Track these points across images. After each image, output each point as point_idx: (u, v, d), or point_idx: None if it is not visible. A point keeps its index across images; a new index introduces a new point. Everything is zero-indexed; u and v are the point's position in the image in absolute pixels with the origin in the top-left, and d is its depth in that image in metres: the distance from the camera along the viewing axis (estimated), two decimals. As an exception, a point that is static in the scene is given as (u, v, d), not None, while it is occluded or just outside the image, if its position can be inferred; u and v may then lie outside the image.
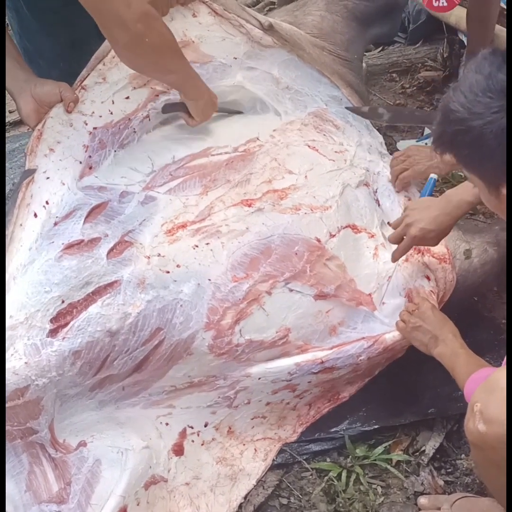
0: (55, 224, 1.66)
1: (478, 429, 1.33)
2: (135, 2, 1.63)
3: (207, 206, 1.84)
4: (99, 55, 1.95)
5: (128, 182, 1.81)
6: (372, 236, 2.06)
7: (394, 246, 1.91)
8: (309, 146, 2.14)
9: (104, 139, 1.89)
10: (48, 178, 1.75)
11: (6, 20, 2.28)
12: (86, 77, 1.93)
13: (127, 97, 1.97)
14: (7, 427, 1.53)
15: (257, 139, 2.09)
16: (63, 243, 1.62)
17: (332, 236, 1.96)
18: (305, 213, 1.94)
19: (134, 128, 1.96)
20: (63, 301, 1.57)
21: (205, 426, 1.83)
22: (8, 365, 1.50)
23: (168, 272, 1.69)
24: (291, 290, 1.84)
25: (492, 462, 1.38)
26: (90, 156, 1.84)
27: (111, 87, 1.95)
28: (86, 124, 1.88)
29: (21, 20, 2.29)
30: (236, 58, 2.17)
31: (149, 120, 2.00)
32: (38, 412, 1.56)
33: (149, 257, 1.69)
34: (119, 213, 1.73)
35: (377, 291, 1.96)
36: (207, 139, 2.01)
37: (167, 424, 1.78)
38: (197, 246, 1.76)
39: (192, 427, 1.81)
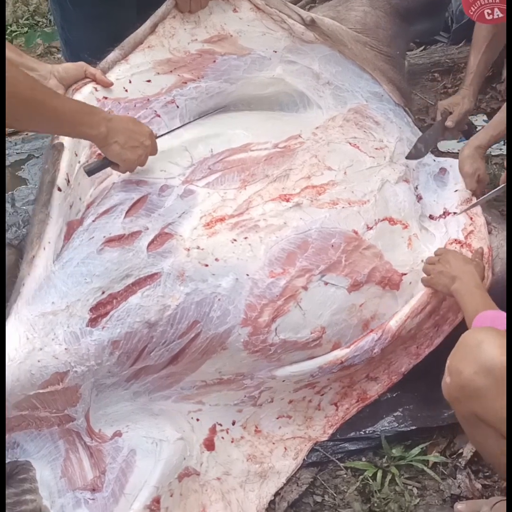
0: (94, 220, 1.67)
1: (444, 382, 1.46)
2: None
3: (245, 200, 1.84)
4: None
5: (168, 175, 1.81)
6: (406, 227, 2.05)
7: (428, 236, 2.00)
8: (350, 144, 2.13)
9: (114, 110, 1.86)
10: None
11: (49, 14, 2.29)
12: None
13: (148, 80, 1.96)
14: (45, 414, 1.56)
15: (299, 136, 2.08)
16: (104, 237, 1.63)
17: (369, 228, 1.95)
18: (343, 207, 1.93)
19: (155, 110, 1.93)
20: (103, 292, 1.58)
21: (233, 424, 1.84)
22: (47, 348, 1.52)
23: (206, 265, 1.69)
24: (326, 284, 1.83)
25: (460, 415, 1.48)
26: None
27: (131, 68, 1.95)
28: (96, 90, 1.86)
29: (63, 13, 2.31)
30: (276, 52, 2.16)
31: (177, 107, 1.98)
32: (76, 400, 1.58)
33: (189, 249, 1.69)
34: (159, 206, 1.73)
35: (410, 273, 1.96)
36: (246, 135, 2.00)
37: (197, 419, 1.79)
38: (235, 240, 1.76)
39: (221, 425, 1.82)
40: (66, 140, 1.73)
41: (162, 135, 1.86)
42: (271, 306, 1.74)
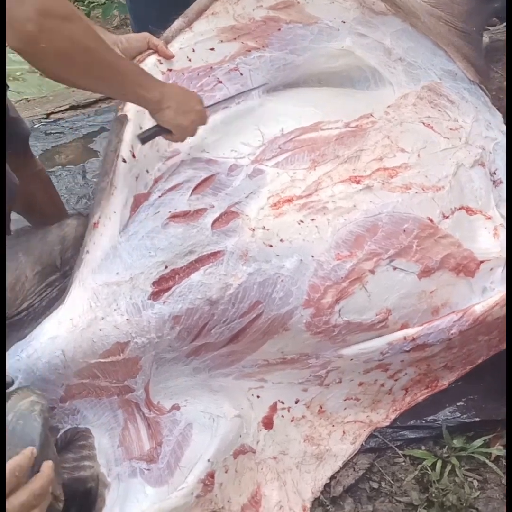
0: (160, 196, 1.68)
1: None
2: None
3: (315, 181, 1.81)
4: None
5: (237, 155, 1.79)
6: (489, 218, 1.99)
7: None
8: (424, 123, 2.07)
9: (178, 82, 1.85)
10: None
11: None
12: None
13: (212, 49, 1.93)
14: (105, 383, 1.58)
15: (371, 115, 2.03)
16: (169, 212, 1.63)
17: (445, 217, 1.90)
18: (416, 193, 1.88)
19: (217, 77, 1.91)
20: (166, 267, 1.59)
21: (296, 402, 1.82)
22: (108, 318, 1.54)
23: (271, 246, 1.68)
24: (395, 269, 1.79)
25: None
26: None
27: (195, 36, 1.92)
28: (160, 63, 1.85)
29: None
30: (344, 22, 2.09)
31: (241, 74, 1.95)
32: (136, 371, 1.60)
33: (253, 229, 1.68)
34: (226, 185, 1.72)
35: (489, 261, 1.90)
36: (317, 113, 1.96)
37: (258, 396, 1.79)
38: (302, 222, 1.74)
39: (282, 402, 1.81)
40: (130, 112, 1.73)
41: (211, 105, 1.82)
42: (335, 288, 1.72)
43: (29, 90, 3.59)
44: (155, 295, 1.57)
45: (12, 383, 1.47)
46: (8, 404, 1.33)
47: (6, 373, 1.47)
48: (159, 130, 1.65)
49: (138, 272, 1.57)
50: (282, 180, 1.79)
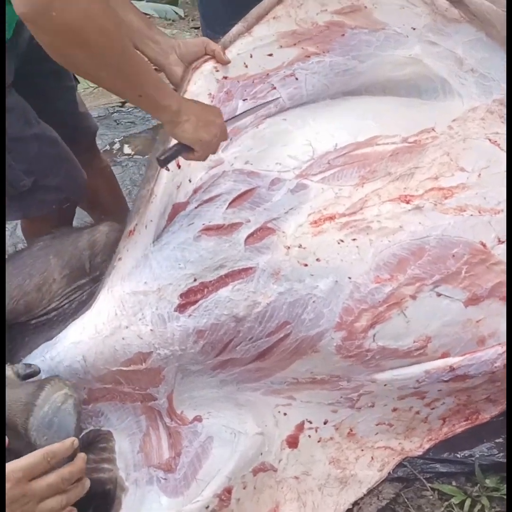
0: (197, 206, 1.66)
1: None
2: None
3: (361, 199, 1.75)
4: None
5: (282, 168, 1.74)
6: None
7: None
8: (490, 140, 1.95)
9: (232, 90, 1.79)
10: None
11: None
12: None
13: (270, 54, 1.85)
14: (129, 389, 1.59)
15: (432, 129, 1.93)
16: (203, 224, 1.61)
17: (500, 242, 1.80)
18: (471, 215, 1.79)
19: (272, 84, 1.84)
20: (195, 279, 1.58)
21: (325, 423, 1.79)
22: (132, 327, 1.55)
23: (306, 265, 1.64)
24: (439, 295, 1.72)
25: None
26: None
27: (254, 41, 1.85)
28: (216, 70, 1.80)
29: None
30: (414, 29, 1.97)
31: (296, 79, 1.88)
32: (158, 381, 1.60)
33: (289, 247, 1.65)
34: (266, 200, 1.68)
35: None
36: (375, 126, 1.88)
37: (285, 414, 1.76)
38: (342, 241, 1.69)
39: (310, 422, 1.78)
40: None
41: (231, 119, 1.71)
42: (371, 312, 1.67)
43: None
44: (181, 308, 1.57)
45: (39, 371, 1.50)
46: (43, 395, 1.37)
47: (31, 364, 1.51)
48: (179, 149, 1.52)
49: (166, 283, 1.57)
50: (326, 197, 1.74)
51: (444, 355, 1.74)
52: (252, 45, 1.86)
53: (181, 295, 1.57)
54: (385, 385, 1.74)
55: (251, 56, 1.85)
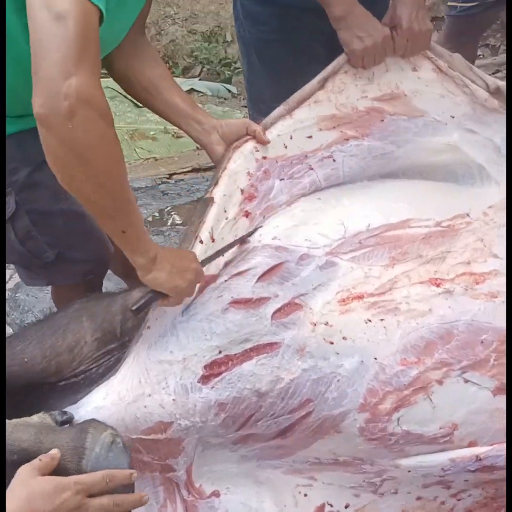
0: (226, 280, 1.68)
1: None
2: (79, 78, 1.25)
3: (391, 279, 1.76)
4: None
5: (311, 245, 1.77)
6: None
7: None
8: (527, 228, 1.95)
9: (270, 170, 1.84)
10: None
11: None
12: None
13: (310, 136, 1.90)
14: (148, 459, 1.59)
15: (467, 215, 1.95)
16: (231, 297, 1.64)
17: (532, 329, 1.77)
18: (503, 302, 1.77)
19: (310, 165, 1.89)
20: (220, 352, 1.59)
21: (346, 507, 1.74)
22: (155, 396, 1.56)
23: (332, 343, 1.64)
24: (466, 381, 1.69)
25: None
26: (252, 185, 1.81)
27: (294, 123, 1.90)
28: (256, 150, 1.84)
29: (251, 68, 2.39)
30: (453, 117, 2.02)
31: (334, 160, 1.92)
32: (178, 452, 1.60)
33: (315, 324, 1.65)
34: (294, 275, 1.70)
35: None
36: (409, 209, 1.90)
37: (305, 495, 1.73)
38: (370, 321, 1.69)
39: (331, 505, 1.74)
40: (217, 196, 1.75)
41: (206, 260, 1.68)
42: (396, 395, 1.65)
43: (159, 149, 3.77)
44: (204, 379, 1.58)
45: (73, 418, 1.51)
46: (90, 437, 1.40)
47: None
48: (153, 296, 1.53)
49: (191, 353, 1.59)
50: (355, 275, 1.75)
51: (471, 444, 1.69)
52: (292, 127, 1.91)
53: (205, 367, 1.58)
54: (409, 471, 1.70)
55: (291, 138, 1.90)
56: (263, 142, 1.86)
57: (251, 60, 2.37)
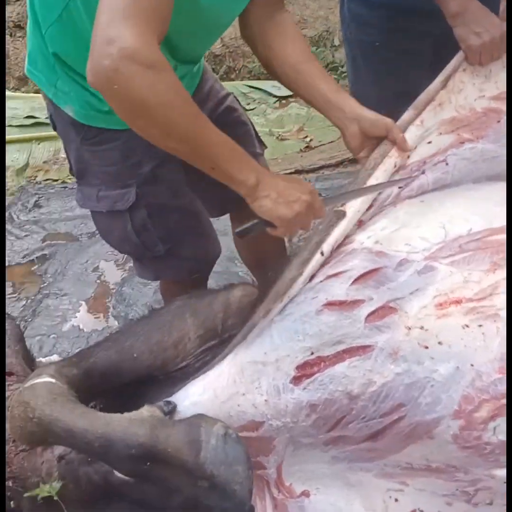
0: (322, 280, 1.68)
1: None
2: (124, 40, 1.27)
3: (491, 285, 1.70)
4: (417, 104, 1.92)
5: (411, 249, 1.74)
6: None
7: None
8: None
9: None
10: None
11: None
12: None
13: (429, 142, 1.89)
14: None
15: None
16: (326, 299, 1.64)
17: None
18: None
19: (424, 170, 1.88)
20: (312, 353, 1.60)
21: (438, 515, 1.71)
22: (249, 395, 1.59)
23: (426, 347, 1.61)
24: None
25: None
26: None
27: (426, 131, 1.90)
28: (394, 167, 1.84)
29: (355, 68, 2.37)
30: None
31: (446, 164, 1.90)
32: (269, 451, 1.63)
33: (410, 328, 1.63)
34: (391, 280, 1.68)
35: None
36: (512, 214, 1.85)
37: (396, 500, 1.71)
38: (467, 326, 1.65)
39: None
40: (350, 210, 1.75)
41: (329, 200, 1.69)
42: (493, 403, 1.59)
43: (264, 151, 3.80)
44: (296, 380, 1.59)
45: (176, 406, 1.58)
46: (203, 430, 1.46)
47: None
48: (259, 223, 1.54)
49: (284, 354, 1.60)
50: (454, 280, 1.71)
51: None
52: (421, 136, 1.90)
53: (297, 367, 1.60)
54: (504, 482, 1.65)
55: (415, 147, 1.90)
56: (406, 150, 1.84)
57: (356, 62, 2.36)
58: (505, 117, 1.97)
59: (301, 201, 1.52)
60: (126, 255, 3.32)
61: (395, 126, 1.84)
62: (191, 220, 2.13)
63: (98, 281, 3.31)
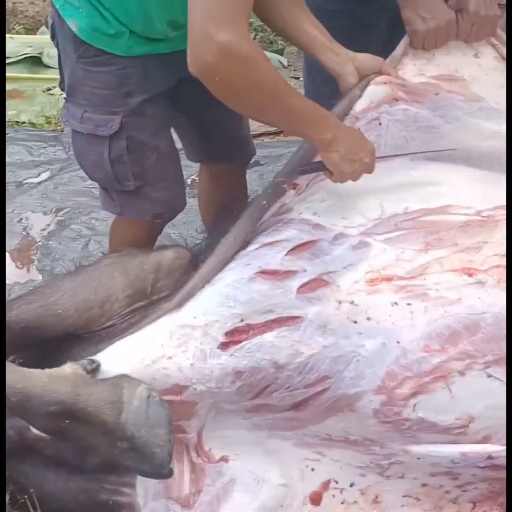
0: (257, 248, 1.68)
1: None
2: (222, 35, 1.40)
3: (422, 265, 1.72)
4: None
5: (348, 224, 1.75)
6: None
7: None
8: None
9: None
10: None
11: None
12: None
13: (360, 96, 1.89)
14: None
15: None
16: (259, 267, 1.63)
17: None
18: (537, 297, 1.74)
19: (358, 127, 1.86)
20: (242, 320, 1.59)
21: (351, 486, 1.74)
22: (175, 359, 1.56)
23: (355, 322, 1.63)
24: (489, 376, 1.66)
25: None
26: None
27: None
28: None
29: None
30: None
31: (380, 124, 1.90)
32: (191, 415, 1.61)
33: (340, 302, 1.64)
34: (326, 253, 1.69)
35: None
36: (450, 195, 1.86)
37: (312, 469, 1.73)
38: (396, 304, 1.67)
39: (336, 482, 1.74)
40: None
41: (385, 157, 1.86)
42: (415, 381, 1.63)
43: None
44: (224, 346, 1.58)
45: (100, 365, 1.54)
46: (126, 391, 1.44)
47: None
48: (321, 167, 1.72)
49: (213, 319, 1.59)
50: (387, 257, 1.72)
51: (485, 439, 1.67)
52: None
53: (226, 333, 1.59)
54: (418, 458, 1.69)
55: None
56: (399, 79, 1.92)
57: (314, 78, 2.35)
58: (444, 93, 1.97)
59: (361, 161, 1.71)
60: (54, 208, 3.24)
61: (385, 63, 1.91)
62: (167, 164, 2.12)
63: (23, 232, 3.20)
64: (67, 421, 1.41)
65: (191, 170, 3.09)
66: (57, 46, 2.04)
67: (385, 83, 1.90)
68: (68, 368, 1.47)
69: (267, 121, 1.75)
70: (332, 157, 1.67)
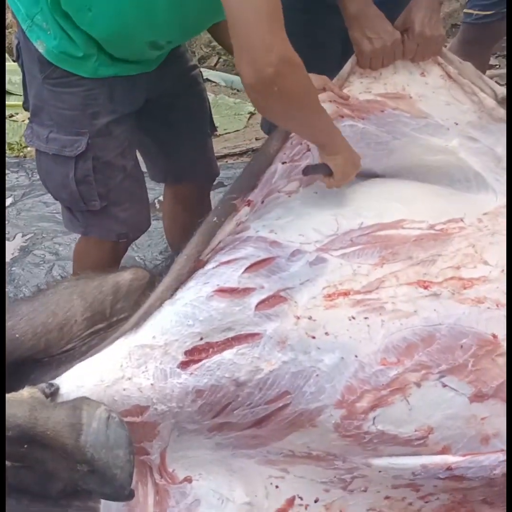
0: (215, 267, 1.69)
1: None
2: (277, 46, 1.46)
3: (378, 278, 1.76)
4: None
5: (304, 240, 1.78)
6: None
7: None
8: (520, 235, 1.95)
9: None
10: None
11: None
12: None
13: None
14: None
15: (461, 220, 1.94)
16: (217, 285, 1.64)
17: (512, 336, 1.77)
18: (488, 308, 1.77)
19: (308, 145, 1.91)
20: (201, 338, 1.60)
21: (315, 501, 1.75)
22: (135, 379, 1.57)
23: (313, 337, 1.65)
24: (444, 386, 1.69)
25: None
26: None
27: None
28: None
29: None
30: (457, 124, 2.04)
31: None
32: (153, 436, 1.61)
33: (299, 318, 1.66)
34: (283, 270, 1.71)
35: None
36: (403, 210, 1.90)
37: (277, 486, 1.73)
38: (354, 318, 1.69)
39: (301, 498, 1.74)
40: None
41: None
42: (373, 394, 1.65)
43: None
44: (184, 365, 1.58)
45: (59, 388, 1.53)
46: (85, 413, 1.42)
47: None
48: (324, 168, 1.82)
49: (173, 338, 1.59)
50: (343, 272, 1.75)
51: (445, 449, 1.69)
52: None
53: (185, 352, 1.59)
54: (379, 471, 1.71)
55: None
56: (344, 97, 1.98)
57: None
58: (390, 110, 2.02)
59: (356, 166, 1.86)
60: (17, 234, 3.23)
61: (330, 81, 1.97)
62: (133, 184, 2.14)
63: (-15, 259, 3.18)
64: (26, 446, 1.39)
65: (155, 192, 3.11)
66: (21, 66, 2.04)
67: (330, 101, 1.94)
68: (25, 392, 1.46)
69: (299, 126, 1.74)
70: (338, 159, 1.78)
